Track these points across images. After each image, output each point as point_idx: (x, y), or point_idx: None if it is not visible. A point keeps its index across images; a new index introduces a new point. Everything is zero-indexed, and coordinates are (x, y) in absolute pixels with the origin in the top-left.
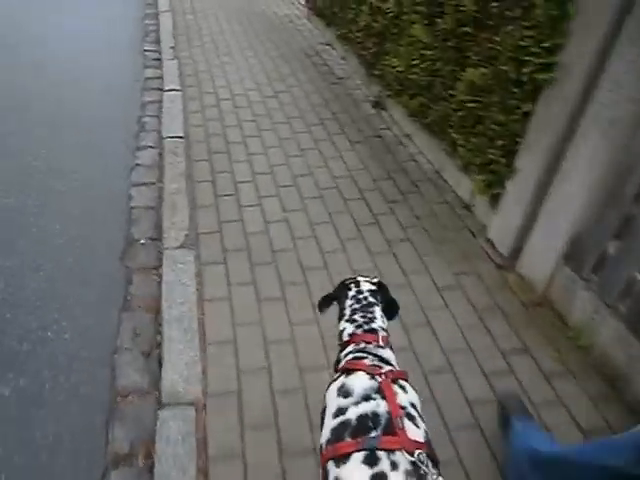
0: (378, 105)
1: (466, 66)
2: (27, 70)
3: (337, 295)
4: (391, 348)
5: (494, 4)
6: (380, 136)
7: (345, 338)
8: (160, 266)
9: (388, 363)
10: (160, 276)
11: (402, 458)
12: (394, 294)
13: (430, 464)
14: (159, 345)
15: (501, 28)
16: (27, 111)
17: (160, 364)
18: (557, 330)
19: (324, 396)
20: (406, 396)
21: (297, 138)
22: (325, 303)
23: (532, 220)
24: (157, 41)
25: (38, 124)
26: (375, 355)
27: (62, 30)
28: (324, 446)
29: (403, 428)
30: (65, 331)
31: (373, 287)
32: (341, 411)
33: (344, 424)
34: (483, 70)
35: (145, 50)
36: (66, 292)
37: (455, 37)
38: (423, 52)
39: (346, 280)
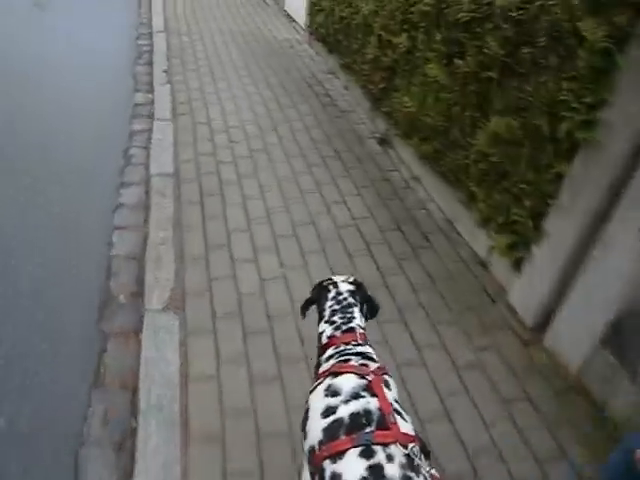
0: (384, 143)
1: (489, 114)
2: (12, 92)
3: (316, 298)
4: (369, 344)
5: (526, 50)
6: (387, 179)
7: (324, 341)
8: (140, 330)
9: (370, 358)
10: (140, 342)
11: (397, 451)
12: (405, 373)
13: (422, 456)
14: (134, 431)
15: (533, 77)
16: (7, 136)
17: (134, 458)
18: (597, 427)
19: (307, 400)
20: (390, 393)
21: (297, 179)
22: (305, 307)
23: (564, 291)
24: (150, 63)
25: (18, 152)
26: (357, 354)
27: (53, 47)
28: (317, 447)
29: (395, 423)
30: (22, 417)
31: (351, 287)
32: (331, 410)
33: (337, 423)
34: (510, 121)
35: (137, 73)
36: (28, 364)
37: (477, 81)
38: (439, 94)
39: (323, 281)
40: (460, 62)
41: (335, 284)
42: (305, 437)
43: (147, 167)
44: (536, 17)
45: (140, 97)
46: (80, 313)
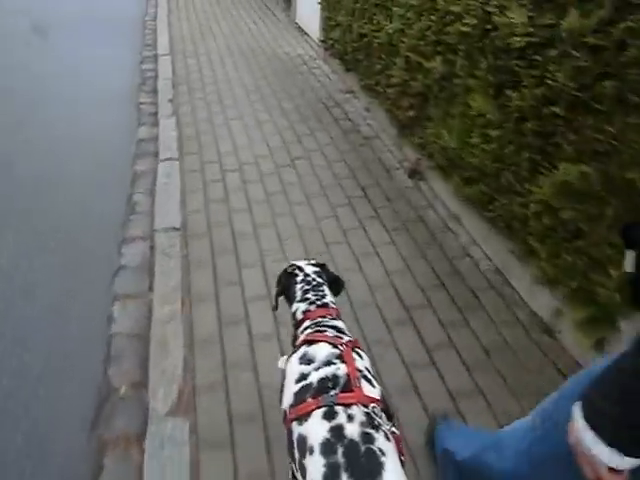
0: (415, 174)
1: (555, 158)
2: (6, 127)
3: (285, 285)
4: (341, 320)
5: (607, 83)
6: (422, 218)
7: (299, 316)
8: (144, 434)
9: (343, 333)
10: (143, 453)
11: (358, 411)
12: None
13: (384, 417)
14: None
15: (617, 117)
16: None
17: None
18: None
19: (284, 369)
20: (362, 362)
21: (321, 227)
22: (277, 297)
23: None
24: (154, 91)
25: (11, 192)
26: (333, 327)
27: (52, 75)
28: (287, 410)
29: (360, 386)
30: None
31: (317, 268)
32: (304, 377)
33: (305, 387)
34: (584, 168)
35: (141, 103)
36: None
37: (537, 118)
38: (486, 130)
39: (287, 268)
40: (513, 94)
41: (300, 268)
42: (281, 404)
43: (152, 216)
44: (622, 43)
45: (144, 132)
46: (73, 414)
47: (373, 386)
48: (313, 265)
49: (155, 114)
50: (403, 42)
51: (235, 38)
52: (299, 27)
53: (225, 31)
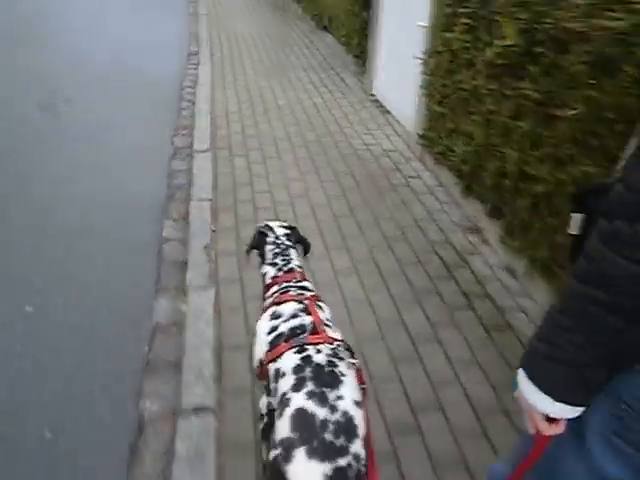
0: None
1: None
2: None
3: (257, 244)
4: (307, 280)
5: None
6: None
7: (268, 281)
8: None
9: (308, 290)
10: None
11: (324, 347)
12: None
13: (346, 352)
14: None
15: None
16: None
17: None
18: None
19: (255, 327)
20: (323, 314)
21: None
22: (248, 252)
23: None
24: (185, 217)
25: None
26: (296, 287)
27: (44, 183)
28: (264, 357)
29: (324, 330)
30: None
31: (287, 231)
32: (274, 328)
33: (279, 336)
34: None
35: (164, 239)
36: None
37: None
38: None
39: (260, 228)
40: None
41: (271, 229)
42: (254, 358)
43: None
44: None
45: (164, 310)
46: None
47: (334, 331)
48: (284, 227)
49: (185, 265)
50: None
51: (296, 117)
52: (376, 99)
53: (282, 104)
